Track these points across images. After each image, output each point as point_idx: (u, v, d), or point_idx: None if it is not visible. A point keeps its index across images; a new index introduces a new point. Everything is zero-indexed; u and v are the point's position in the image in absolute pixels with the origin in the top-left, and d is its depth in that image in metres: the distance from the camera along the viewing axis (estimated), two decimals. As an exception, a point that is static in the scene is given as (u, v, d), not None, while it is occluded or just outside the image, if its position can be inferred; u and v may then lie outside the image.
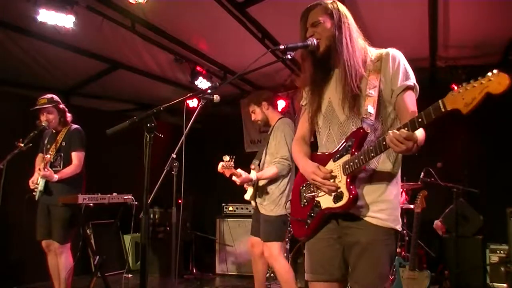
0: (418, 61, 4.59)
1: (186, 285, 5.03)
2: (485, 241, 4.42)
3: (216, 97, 2.27)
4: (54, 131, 3.71)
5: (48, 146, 3.64)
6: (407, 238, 4.15)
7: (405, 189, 4.32)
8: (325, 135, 1.80)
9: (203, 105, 2.34)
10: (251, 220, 5.45)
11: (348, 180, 1.61)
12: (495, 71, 1.21)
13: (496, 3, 3.48)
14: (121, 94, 5.89)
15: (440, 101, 1.31)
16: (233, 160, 3.26)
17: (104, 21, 3.59)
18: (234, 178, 3.26)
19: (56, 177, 3.44)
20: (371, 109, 1.62)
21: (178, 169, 2.85)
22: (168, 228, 5.63)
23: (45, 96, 3.62)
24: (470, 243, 4.37)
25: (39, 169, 3.40)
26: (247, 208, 5.52)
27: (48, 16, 3.20)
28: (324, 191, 1.69)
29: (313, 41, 1.73)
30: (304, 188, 1.83)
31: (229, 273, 5.39)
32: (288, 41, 1.75)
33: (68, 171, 3.53)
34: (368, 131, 1.61)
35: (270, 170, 3.24)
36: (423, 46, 4.32)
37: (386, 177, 1.68)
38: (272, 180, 3.27)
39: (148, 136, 1.70)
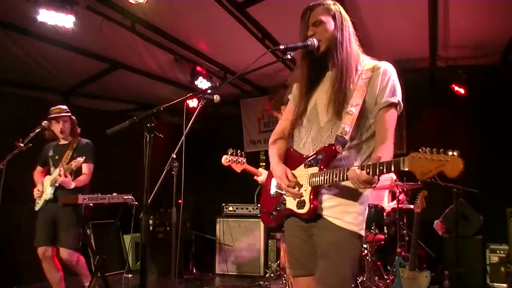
0: (418, 61, 4.60)
1: (186, 285, 5.03)
2: (485, 241, 4.42)
3: (216, 97, 2.27)
4: (59, 143, 3.73)
5: (56, 158, 3.64)
6: (407, 238, 4.15)
7: (404, 189, 4.32)
8: (304, 135, 1.83)
9: (203, 105, 2.34)
10: (251, 220, 5.52)
11: (312, 192, 1.68)
12: (455, 153, 1.25)
13: (496, 3, 3.48)
14: (121, 94, 5.89)
15: (401, 159, 1.36)
16: (239, 154, 3.12)
17: (104, 21, 3.59)
18: (255, 177, 3.18)
19: (73, 184, 3.47)
20: (347, 128, 1.65)
21: (178, 169, 2.85)
22: (168, 228, 5.63)
23: (60, 106, 3.72)
24: (470, 243, 4.37)
25: (60, 175, 3.38)
26: (247, 208, 5.53)
27: (48, 16, 3.19)
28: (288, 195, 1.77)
29: (313, 41, 1.73)
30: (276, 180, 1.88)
31: (229, 273, 5.39)
32: (288, 41, 1.75)
33: (82, 179, 3.59)
34: (339, 151, 1.65)
35: None
36: (423, 46, 4.32)
37: (352, 192, 1.70)
38: None
39: (148, 136, 1.70)
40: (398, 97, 1.70)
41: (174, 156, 2.67)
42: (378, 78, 1.69)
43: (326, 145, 1.70)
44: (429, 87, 5.17)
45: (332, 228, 1.67)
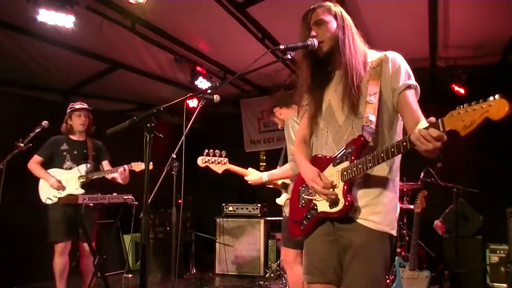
0: (418, 61, 4.59)
1: (186, 285, 5.03)
2: (485, 241, 4.42)
3: (216, 97, 2.27)
4: (73, 139, 3.76)
5: (75, 153, 3.71)
6: (407, 238, 4.15)
7: (404, 189, 4.32)
8: (324, 138, 1.80)
9: (203, 105, 2.34)
10: (251, 220, 5.52)
11: (345, 187, 1.63)
12: (497, 96, 1.20)
13: (496, 3, 3.48)
14: (121, 94, 5.89)
15: (439, 120, 1.32)
16: (219, 154, 3.04)
17: (104, 21, 3.59)
18: (246, 178, 3.07)
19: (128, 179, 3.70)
20: (372, 117, 1.63)
21: (178, 169, 2.85)
22: (168, 228, 5.63)
23: (81, 103, 3.82)
24: (470, 243, 4.37)
25: (123, 170, 3.61)
26: (247, 208, 5.53)
27: (48, 16, 3.19)
28: (323, 198, 1.70)
29: (313, 41, 1.72)
30: (303, 189, 1.84)
31: (229, 273, 5.39)
32: (288, 41, 1.75)
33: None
34: (369, 140, 1.61)
35: (283, 169, 3.02)
36: (423, 46, 4.32)
37: (382, 182, 1.68)
38: (293, 180, 3.09)
39: (148, 136, 1.70)
40: (414, 81, 1.68)
41: (174, 156, 2.67)
42: (388, 66, 1.69)
43: (353, 138, 1.66)
44: (429, 87, 5.18)
45: (362, 229, 1.63)
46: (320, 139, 1.82)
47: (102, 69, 4.82)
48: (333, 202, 1.65)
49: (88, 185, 3.71)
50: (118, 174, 3.61)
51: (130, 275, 4.89)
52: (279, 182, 3.18)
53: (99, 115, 4.05)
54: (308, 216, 1.78)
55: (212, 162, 3.05)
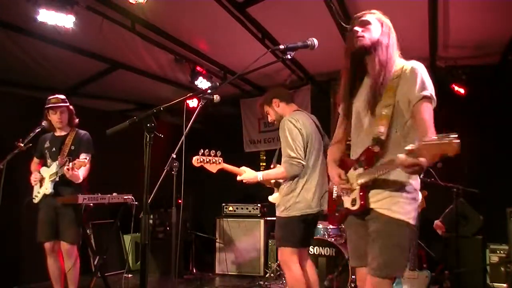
0: (418, 61, 4.59)
1: (186, 285, 5.03)
2: (485, 241, 4.41)
3: (216, 97, 2.27)
4: (56, 134, 3.68)
5: (54, 150, 3.59)
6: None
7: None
8: (354, 141, 2.02)
9: (203, 105, 2.34)
10: (251, 220, 5.52)
11: (361, 192, 1.90)
12: (452, 136, 1.36)
13: (496, 3, 3.48)
14: (121, 94, 5.89)
15: (415, 149, 1.46)
16: (214, 154, 3.04)
17: (104, 21, 3.59)
18: (239, 177, 3.06)
19: (81, 178, 3.45)
20: (382, 129, 1.80)
21: (178, 169, 2.84)
22: (168, 228, 5.63)
23: (57, 96, 3.62)
24: (470, 243, 4.37)
25: (68, 169, 3.30)
26: (247, 208, 5.53)
27: (48, 16, 3.19)
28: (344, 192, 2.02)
29: (313, 41, 1.75)
30: (335, 187, 2.15)
31: (229, 273, 5.39)
32: (288, 41, 1.76)
33: (85, 173, 3.54)
34: (376, 151, 1.81)
35: (277, 170, 3.04)
36: (423, 46, 4.32)
37: (399, 184, 1.85)
38: (286, 180, 3.02)
39: (148, 136, 1.70)
40: (430, 91, 1.77)
41: (174, 156, 2.67)
42: (406, 77, 1.81)
43: (364, 149, 1.88)
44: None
45: (381, 218, 1.84)
46: (352, 142, 2.05)
47: (102, 69, 4.81)
48: (353, 202, 1.95)
49: (62, 183, 3.47)
50: (65, 172, 3.36)
51: (130, 275, 4.89)
52: (272, 181, 3.19)
53: (99, 115, 4.05)
54: (339, 209, 2.11)
55: (207, 162, 3.06)
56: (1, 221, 4.07)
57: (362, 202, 1.89)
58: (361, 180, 1.88)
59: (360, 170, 1.90)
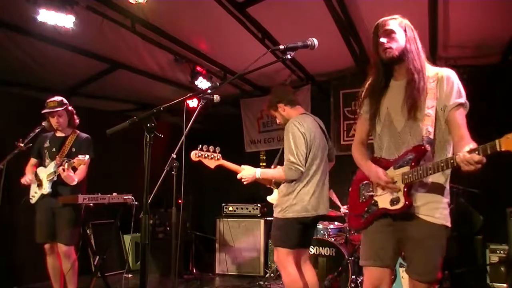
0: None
1: (186, 285, 5.03)
2: (485, 241, 4.41)
3: (216, 97, 2.27)
4: (57, 135, 3.67)
5: (53, 150, 3.58)
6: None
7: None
8: (385, 142, 2.01)
9: (203, 105, 2.34)
10: (251, 220, 5.51)
11: (405, 189, 1.86)
12: None
13: (496, 4, 3.48)
14: (121, 94, 5.88)
15: (497, 141, 1.60)
16: (213, 150, 3.03)
17: (104, 21, 3.59)
18: (238, 175, 3.04)
19: (76, 180, 3.42)
20: (430, 129, 1.85)
21: (178, 169, 2.84)
22: (168, 228, 5.63)
23: (55, 99, 3.59)
24: (470, 243, 4.37)
25: (63, 169, 3.28)
26: (247, 208, 5.53)
27: (48, 16, 3.19)
28: (387, 191, 1.95)
29: (312, 41, 1.75)
30: (363, 186, 2.09)
31: (229, 273, 5.39)
32: (288, 41, 1.76)
33: (80, 173, 3.52)
34: (428, 150, 1.84)
35: (277, 170, 3.01)
36: (423, 46, 4.31)
37: (439, 187, 1.91)
38: (285, 182, 3.00)
39: (148, 136, 1.70)
40: (464, 98, 1.89)
41: (174, 156, 2.67)
42: (443, 83, 1.89)
43: (413, 146, 1.88)
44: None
45: (425, 224, 1.87)
46: (380, 144, 2.05)
47: (102, 69, 4.81)
48: (394, 201, 1.90)
49: (60, 183, 3.45)
50: (60, 173, 3.34)
51: (130, 275, 4.90)
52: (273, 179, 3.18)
53: (99, 115, 4.05)
54: (369, 210, 2.03)
55: (206, 157, 3.05)
56: (1, 221, 4.07)
57: (407, 202, 1.85)
58: (408, 177, 1.84)
59: (406, 168, 1.87)
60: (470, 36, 4.15)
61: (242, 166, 3.07)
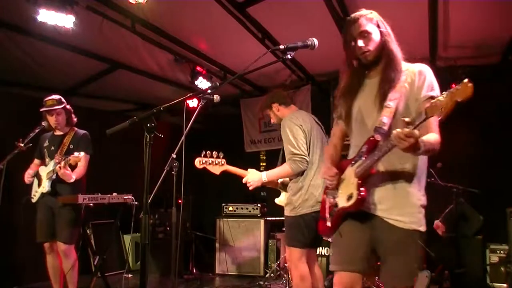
0: (418, 61, 4.57)
1: (186, 285, 5.03)
2: (485, 241, 4.41)
3: (216, 97, 2.27)
4: (55, 134, 3.68)
5: (52, 149, 3.59)
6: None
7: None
8: (355, 141, 1.95)
9: (203, 105, 2.34)
10: (251, 220, 5.51)
11: (358, 182, 1.78)
12: (465, 80, 1.43)
13: (496, 3, 3.47)
14: (121, 94, 5.89)
15: (424, 109, 1.53)
16: (216, 155, 3.01)
17: (104, 21, 3.59)
18: (244, 179, 3.01)
19: (73, 178, 3.42)
20: (385, 119, 1.76)
21: (178, 169, 2.84)
22: (168, 228, 5.63)
23: (53, 97, 3.60)
24: (470, 243, 4.37)
25: (60, 167, 3.27)
26: (247, 208, 5.53)
27: (48, 16, 3.19)
28: (345, 190, 1.88)
29: (312, 41, 1.75)
30: (329, 190, 2.03)
31: (229, 273, 5.39)
32: (288, 41, 1.76)
33: (79, 171, 3.51)
34: (379, 139, 1.74)
35: (282, 168, 2.99)
36: (423, 46, 4.32)
37: (406, 175, 1.80)
38: (292, 179, 3.00)
39: (148, 136, 1.70)
40: (437, 92, 1.81)
41: (174, 156, 2.67)
42: (415, 77, 1.84)
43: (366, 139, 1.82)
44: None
45: (394, 229, 1.78)
46: (352, 142, 2.00)
47: (102, 69, 4.81)
48: (349, 197, 1.82)
49: (60, 181, 3.44)
50: (57, 170, 3.33)
51: (130, 275, 4.90)
52: (279, 181, 3.18)
53: (99, 115, 4.05)
54: (332, 213, 1.98)
55: (210, 164, 3.03)
56: (1, 221, 4.07)
57: (359, 196, 1.76)
58: (359, 169, 1.78)
59: (359, 162, 1.81)
60: (470, 36, 4.15)
61: (248, 170, 3.05)
